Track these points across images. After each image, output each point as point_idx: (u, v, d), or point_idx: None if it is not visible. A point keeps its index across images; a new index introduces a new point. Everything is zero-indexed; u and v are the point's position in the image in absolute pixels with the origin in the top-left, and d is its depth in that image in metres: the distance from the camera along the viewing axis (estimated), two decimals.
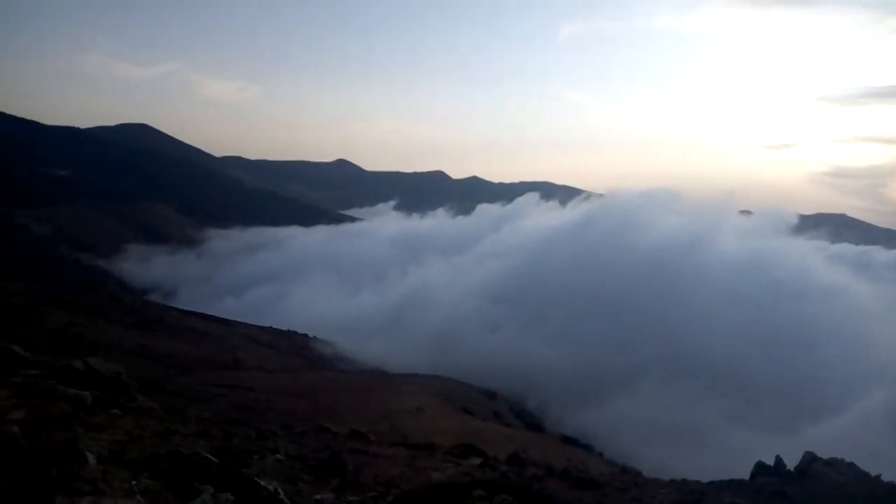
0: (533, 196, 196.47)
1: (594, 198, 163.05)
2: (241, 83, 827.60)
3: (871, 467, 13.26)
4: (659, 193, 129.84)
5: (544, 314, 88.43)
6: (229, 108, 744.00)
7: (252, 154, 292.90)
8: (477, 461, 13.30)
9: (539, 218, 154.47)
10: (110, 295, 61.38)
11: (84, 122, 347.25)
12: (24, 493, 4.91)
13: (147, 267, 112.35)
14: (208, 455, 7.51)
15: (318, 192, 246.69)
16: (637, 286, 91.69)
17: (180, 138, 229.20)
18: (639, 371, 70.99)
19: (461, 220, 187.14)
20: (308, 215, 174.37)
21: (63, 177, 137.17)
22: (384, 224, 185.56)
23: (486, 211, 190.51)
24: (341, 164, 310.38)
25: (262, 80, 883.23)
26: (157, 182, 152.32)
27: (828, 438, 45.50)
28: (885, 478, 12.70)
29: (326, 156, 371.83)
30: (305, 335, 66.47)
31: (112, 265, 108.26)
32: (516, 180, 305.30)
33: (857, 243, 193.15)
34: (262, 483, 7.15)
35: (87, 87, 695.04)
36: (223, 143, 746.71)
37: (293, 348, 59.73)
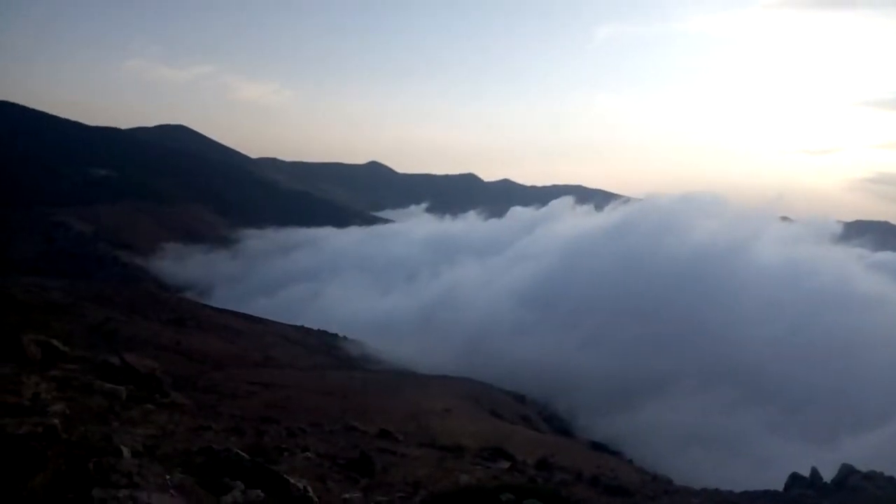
0: (567, 199, 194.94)
1: (629, 202, 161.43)
2: (275, 86, 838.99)
3: None
4: (700, 197, 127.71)
5: (577, 318, 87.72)
6: (264, 111, 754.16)
7: (287, 156, 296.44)
8: (505, 465, 13.25)
9: (574, 221, 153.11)
10: (147, 292, 62.61)
11: (125, 123, 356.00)
12: (63, 485, 5.03)
13: (183, 265, 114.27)
14: (239, 451, 7.61)
15: (351, 194, 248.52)
16: (674, 291, 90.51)
17: (217, 139, 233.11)
18: (672, 377, 70.00)
19: (494, 222, 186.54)
20: (341, 216, 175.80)
21: (104, 176, 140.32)
22: (417, 225, 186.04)
23: (518, 214, 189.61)
24: (373, 166, 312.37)
25: (297, 83, 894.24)
26: (195, 182, 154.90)
27: (867, 451, 44.23)
28: None
29: (359, 158, 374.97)
30: (336, 335, 66.98)
31: (149, 263, 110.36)
32: (548, 183, 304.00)
33: None
34: (292, 481, 7.22)
35: (129, 89, 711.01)
36: (259, 145, 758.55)
37: (323, 347, 60.22)
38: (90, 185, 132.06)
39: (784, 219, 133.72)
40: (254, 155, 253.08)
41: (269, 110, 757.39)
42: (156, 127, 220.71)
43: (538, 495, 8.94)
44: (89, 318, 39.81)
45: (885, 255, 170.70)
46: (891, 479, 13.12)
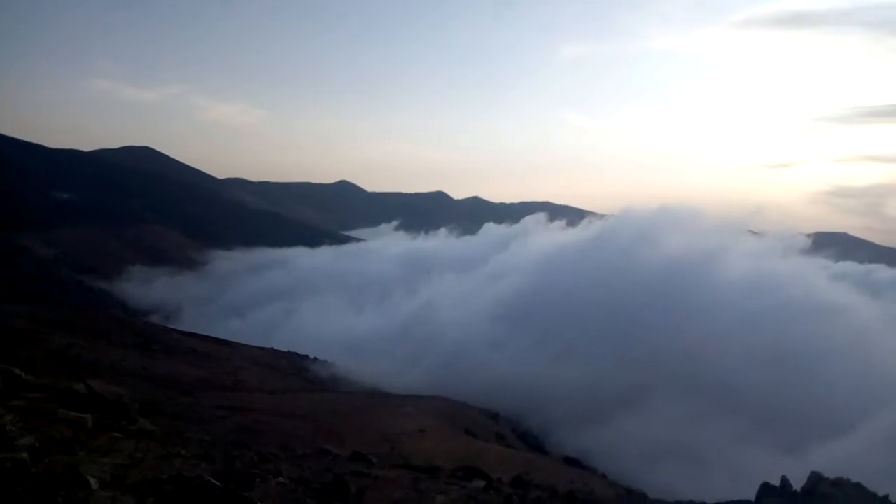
0: (540, 216, 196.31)
1: (597, 218, 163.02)
2: (243, 106, 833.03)
3: (879, 488, 13.16)
4: (676, 210, 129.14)
5: (551, 333, 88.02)
6: (232, 131, 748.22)
7: (254, 176, 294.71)
8: (481, 484, 13.20)
9: (548, 237, 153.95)
10: (112, 317, 61.35)
11: (88, 145, 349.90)
12: None
13: (149, 289, 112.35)
14: (211, 479, 7.47)
15: (320, 214, 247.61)
16: (647, 305, 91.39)
17: (183, 161, 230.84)
18: (644, 390, 70.60)
19: (467, 239, 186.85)
20: (311, 236, 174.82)
21: (66, 200, 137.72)
22: (389, 244, 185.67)
23: (491, 230, 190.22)
24: (343, 185, 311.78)
25: (265, 103, 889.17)
26: (160, 204, 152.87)
27: (835, 459, 45.03)
28: (893, 498, 12.60)
29: (328, 177, 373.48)
30: (306, 356, 66.29)
31: (114, 287, 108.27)
32: (517, 200, 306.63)
33: (859, 262, 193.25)
34: None
35: (91, 110, 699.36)
36: (226, 166, 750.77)
37: (294, 370, 59.52)
38: (52, 209, 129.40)
39: (750, 232, 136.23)
40: (221, 175, 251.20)
41: (236, 130, 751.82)
42: (120, 148, 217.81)
43: None
44: (52, 345, 38.84)
45: (846, 266, 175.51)
46: (857, 485, 13.39)
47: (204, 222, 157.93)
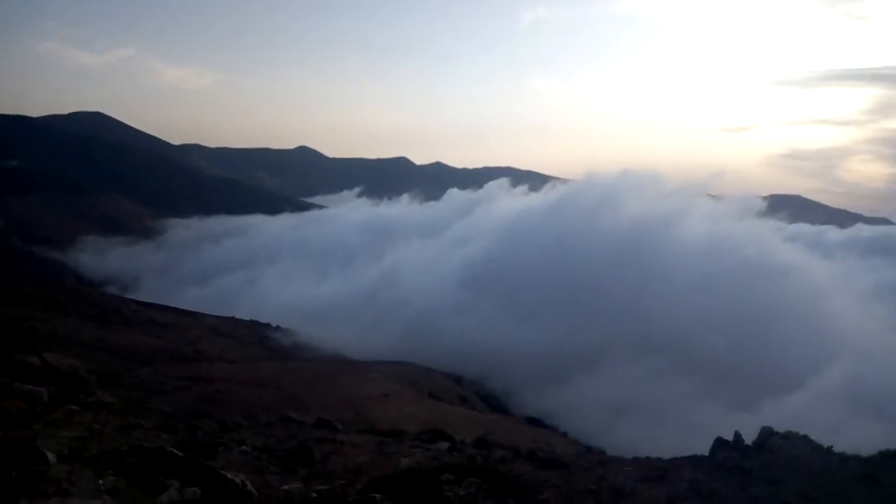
0: (503, 181, 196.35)
1: (560, 183, 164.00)
2: (197, 69, 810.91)
3: (825, 439, 13.73)
4: (638, 174, 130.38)
5: (514, 297, 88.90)
6: (187, 95, 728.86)
7: (211, 142, 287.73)
8: (445, 446, 13.38)
9: (512, 202, 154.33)
10: (66, 287, 59.89)
11: (36, 111, 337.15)
12: None
13: (104, 259, 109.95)
14: (173, 449, 7.41)
15: (280, 180, 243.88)
16: (606, 268, 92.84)
17: (136, 126, 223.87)
18: (605, 351, 72.04)
19: (431, 205, 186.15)
20: (270, 203, 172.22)
21: (15, 167, 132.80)
22: (352, 210, 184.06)
23: (455, 196, 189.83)
24: (303, 150, 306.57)
25: (220, 66, 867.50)
26: (114, 172, 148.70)
27: (786, 413, 46.89)
28: (837, 449, 13.17)
29: (287, 143, 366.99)
30: (268, 325, 65.84)
31: (68, 257, 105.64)
32: (480, 166, 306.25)
33: (812, 223, 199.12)
34: (229, 476, 7.10)
35: (39, 74, 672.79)
36: (181, 131, 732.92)
37: (256, 338, 59.08)
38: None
39: (707, 195, 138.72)
40: (176, 141, 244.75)
41: (192, 95, 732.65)
42: (70, 114, 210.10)
43: (478, 473, 9.09)
44: (4, 317, 37.75)
45: (799, 227, 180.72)
46: (805, 437, 13.94)
47: (159, 190, 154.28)
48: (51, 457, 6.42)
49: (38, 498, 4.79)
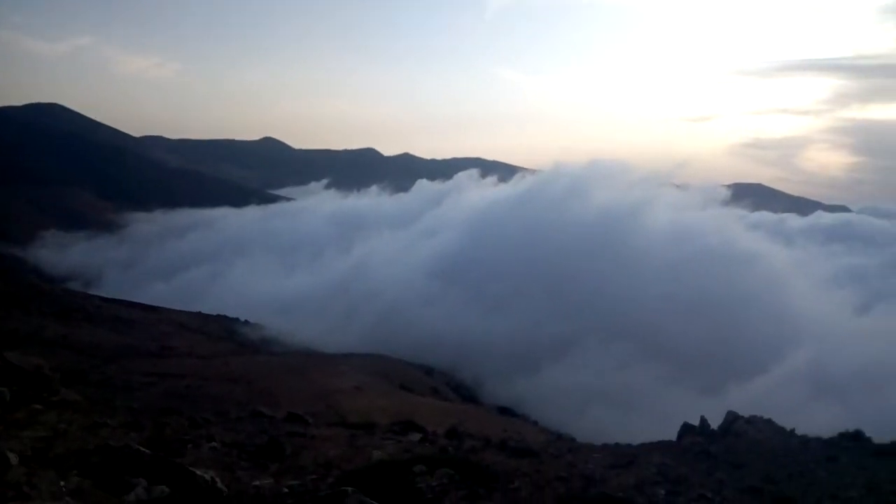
0: (472, 172, 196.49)
1: (529, 174, 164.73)
2: (158, 59, 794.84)
3: (788, 423, 14.10)
4: (606, 164, 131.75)
5: (483, 288, 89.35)
6: (147, 86, 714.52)
7: (173, 133, 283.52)
8: (417, 437, 13.41)
9: (481, 193, 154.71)
10: (27, 284, 58.45)
11: None
12: None
13: (65, 254, 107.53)
14: (140, 447, 7.30)
15: (245, 172, 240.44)
16: (574, 257, 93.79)
17: (96, 118, 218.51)
18: (573, 339, 72.88)
19: (400, 196, 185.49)
20: (236, 195, 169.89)
21: None
22: (320, 203, 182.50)
23: (424, 187, 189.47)
24: (268, 142, 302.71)
25: (182, 56, 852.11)
26: (73, 165, 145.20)
27: (750, 397, 47.99)
28: (798, 431, 13.53)
29: (252, 134, 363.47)
30: (236, 319, 65.16)
31: (27, 253, 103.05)
32: (448, 157, 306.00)
33: (773, 211, 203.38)
34: (198, 472, 7.01)
35: None
36: (142, 123, 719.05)
37: (224, 333, 58.49)
38: None
39: (672, 185, 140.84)
40: (137, 133, 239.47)
41: (152, 85, 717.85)
42: (26, 105, 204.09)
43: (450, 464, 9.14)
44: None
45: (761, 215, 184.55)
46: (769, 421, 14.29)
47: (121, 183, 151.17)
48: (13, 458, 6.27)
49: None
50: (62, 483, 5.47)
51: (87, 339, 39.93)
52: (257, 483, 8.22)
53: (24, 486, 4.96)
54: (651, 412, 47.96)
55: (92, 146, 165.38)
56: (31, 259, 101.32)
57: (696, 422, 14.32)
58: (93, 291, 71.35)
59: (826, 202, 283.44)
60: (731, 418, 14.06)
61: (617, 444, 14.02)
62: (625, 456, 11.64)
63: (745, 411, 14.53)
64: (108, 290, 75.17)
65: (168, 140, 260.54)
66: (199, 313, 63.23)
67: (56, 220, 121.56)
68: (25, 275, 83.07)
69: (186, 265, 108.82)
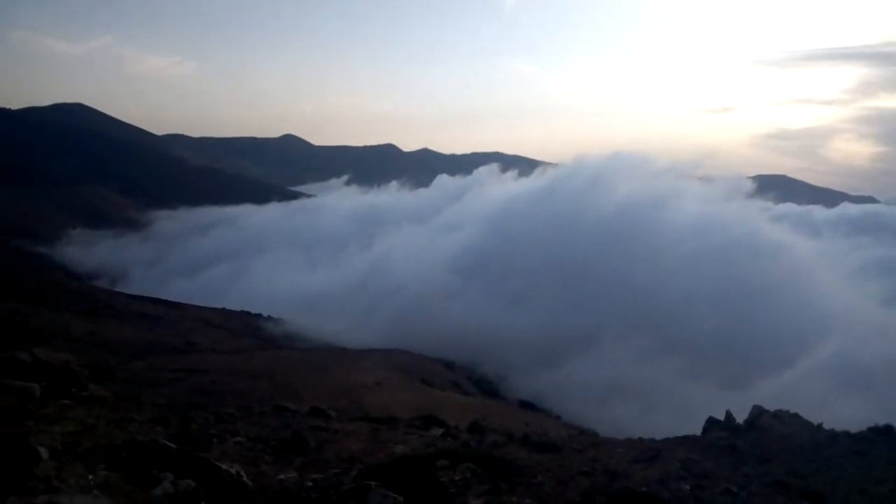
0: (493, 166, 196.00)
1: (550, 167, 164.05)
2: (177, 57, 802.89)
3: (815, 417, 13.90)
4: (628, 156, 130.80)
5: (505, 282, 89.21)
6: (168, 84, 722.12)
7: (195, 131, 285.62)
8: (439, 431, 13.43)
9: (502, 187, 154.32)
10: (54, 282, 59.47)
11: (15, 102, 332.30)
12: None
13: (91, 252, 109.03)
14: (166, 441, 7.39)
15: (266, 169, 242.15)
16: (596, 250, 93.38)
17: (118, 117, 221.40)
18: (594, 332, 72.51)
19: (421, 192, 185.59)
20: (257, 192, 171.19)
21: None
22: (341, 199, 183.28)
23: (444, 182, 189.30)
24: (288, 139, 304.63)
25: (202, 55, 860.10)
26: (97, 164, 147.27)
27: (776, 391, 47.42)
28: (826, 426, 13.33)
29: (272, 131, 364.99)
30: (259, 315, 65.72)
31: (54, 251, 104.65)
32: (468, 151, 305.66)
33: (799, 203, 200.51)
34: (224, 467, 7.09)
35: (17, 65, 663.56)
36: (164, 121, 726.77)
37: (247, 329, 59.02)
38: None
39: (695, 176, 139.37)
40: (159, 132, 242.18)
41: (173, 84, 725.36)
42: (51, 106, 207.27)
43: (472, 458, 9.15)
44: None
45: (786, 207, 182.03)
46: (796, 415, 14.09)
47: (144, 181, 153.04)
48: (43, 452, 6.38)
49: (27, 495, 4.76)
50: (90, 477, 5.55)
51: (114, 336, 40.54)
52: (281, 477, 8.29)
53: (53, 480, 5.04)
54: (674, 406, 47.58)
55: (115, 145, 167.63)
56: (57, 257, 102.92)
57: (720, 416, 14.17)
58: (119, 288, 72.39)
59: (852, 193, 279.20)
60: (757, 412, 13.88)
61: (641, 439, 13.91)
62: (649, 450, 11.56)
63: (770, 405, 14.33)
64: (133, 287, 76.26)
65: (190, 138, 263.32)
66: (223, 309, 63.89)
67: (81, 218, 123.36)
68: (53, 272, 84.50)
69: (209, 262, 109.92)
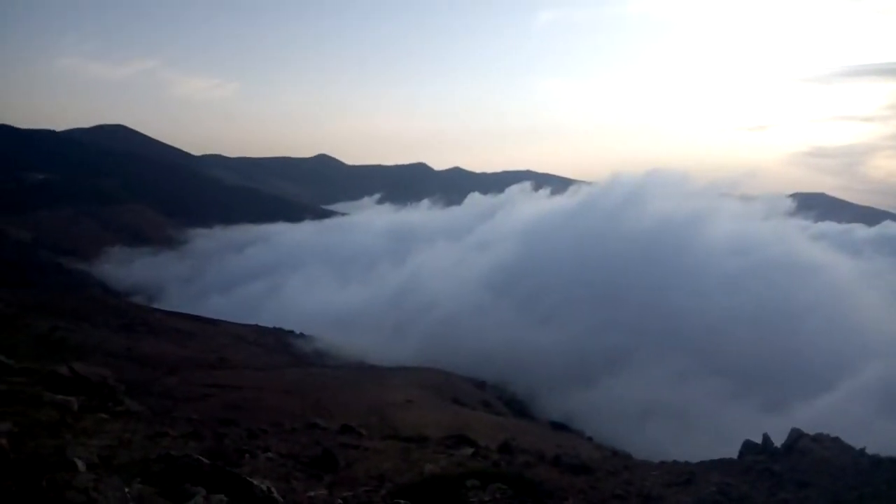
0: (525, 185, 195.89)
1: (582, 186, 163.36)
2: (217, 80, 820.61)
3: (857, 441, 13.46)
4: (664, 175, 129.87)
5: (538, 300, 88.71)
6: (206, 106, 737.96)
7: (231, 152, 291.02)
8: (469, 451, 13.34)
9: (536, 205, 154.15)
10: (93, 298, 60.82)
11: (60, 124, 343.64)
12: None
13: (129, 269, 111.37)
14: (199, 456, 7.48)
15: (300, 188, 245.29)
16: (631, 268, 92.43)
17: (158, 138, 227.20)
18: (629, 352, 71.48)
19: (453, 210, 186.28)
20: (291, 211, 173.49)
21: (41, 181, 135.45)
22: (374, 217, 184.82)
23: (476, 200, 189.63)
24: (322, 159, 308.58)
25: (239, 77, 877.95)
26: (137, 183, 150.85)
27: (816, 415, 46.15)
28: (870, 451, 12.89)
29: (306, 151, 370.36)
30: (291, 332, 66.27)
31: (94, 268, 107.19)
32: (499, 170, 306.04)
33: (838, 222, 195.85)
34: (255, 482, 7.14)
35: (61, 88, 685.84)
36: (202, 142, 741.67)
37: (280, 345, 59.57)
38: (27, 191, 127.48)
39: (733, 195, 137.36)
40: (197, 152, 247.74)
41: (211, 105, 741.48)
42: (94, 127, 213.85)
43: (502, 479, 9.06)
44: (34, 329, 38.48)
45: (826, 226, 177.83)
46: (836, 439, 13.66)
47: (182, 200, 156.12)
48: (80, 465, 6.51)
49: None
50: (127, 490, 5.65)
51: (150, 351, 41.22)
52: (312, 494, 8.31)
53: (91, 492, 5.14)
54: (710, 429, 46.57)
55: (154, 165, 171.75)
56: (97, 274, 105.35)
57: (757, 439, 13.80)
58: (156, 305, 73.70)
59: (894, 211, 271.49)
60: (796, 435, 13.49)
61: (675, 462, 13.65)
62: (683, 474, 11.33)
63: (810, 429, 13.92)
64: (169, 304, 77.62)
65: (226, 158, 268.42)
66: (256, 326, 64.60)
67: (120, 236, 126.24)
68: (92, 289, 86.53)
69: (244, 279, 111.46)
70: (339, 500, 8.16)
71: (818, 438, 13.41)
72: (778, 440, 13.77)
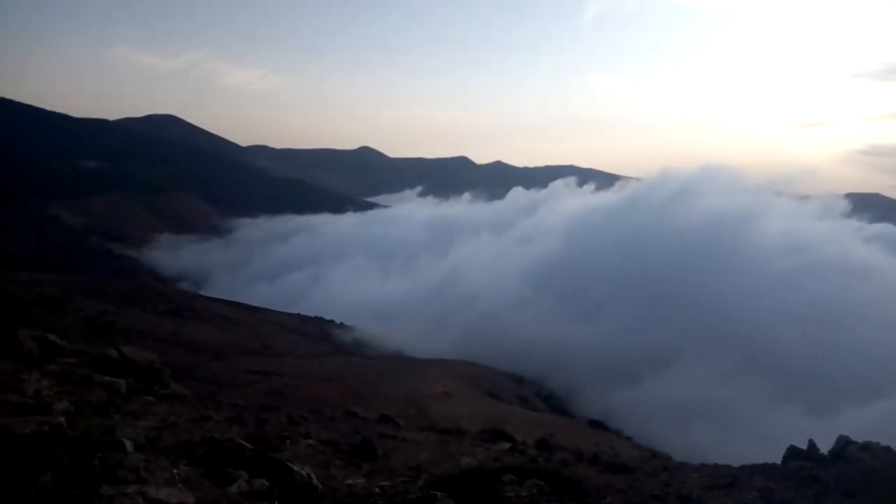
0: (569, 180, 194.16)
1: (627, 181, 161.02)
2: (263, 71, 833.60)
3: None
4: (715, 171, 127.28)
5: (580, 296, 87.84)
6: (253, 97, 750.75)
7: (276, 143, 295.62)
8: (506, 446, 13.31)
9: (579, 200, 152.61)
10: (142, 284, 62.50)
11: (112, 114, 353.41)
12: (70, 482, 5.05)
13: (177, 256, 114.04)
14: (242, 441, 7.63)
15: (343, 180, 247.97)
16: (676, 265, 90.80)
17: (206, 128, 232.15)
18: (672, 350, 70.21)
19: (495, 204, 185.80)
20: (335, 203, 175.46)
21: (93, 168, 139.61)
22: (415, 209, 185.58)
23: (519, 195, 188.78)
24: (364, 151, 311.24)
25: (285, 69, 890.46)
26: (185, 173, 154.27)
27: (865, 422, 44.68)
28: None
29: (349, 143, 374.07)
30: (332, 321, 67.05)
31: (142, 255, 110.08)
32: (541, 164, 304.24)
33: (893, 223, 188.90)
34: (295, 468, 7.25)
35: (115, 79, 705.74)
36: (248, 133, 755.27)
37: (321, 334, 60.32)
38: (80, 178, 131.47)
39: (785, 193, 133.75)
40: (243, 143, 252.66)
41: (258, 97, 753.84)
42: (144, 117, 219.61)
43: (540, 475, 9.00)
44: (84, 312, 39.76)
45: (881, 227, 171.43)
46: (887, 448, 13.21)
47: (228, 190, 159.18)
48: (128, 445, 6.71)
49: (118, 484, 5.03)
50: (175, 471, 5.81)
51: (196, 337, 42.16)
52: (350, 482, 8.41)
53: (142, 472, 5.30)
54: (754, 432, 45.45)
55: (202, 155, 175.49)
56: (146, 260, 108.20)
57: (802, 444, 13.45)
58: (202, 292, 75.35)
59: None
60: (844, 443, 13.09)
61: (716, 465, 13.40)
62: (724, 477, 11.12)
63: (858, 436, 13.49)
64: (215, 291, 79.24)
65: (272, 149, 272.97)
66: (299, 314, 65.57)
67: (169, 224, 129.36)
68: (141, 275, 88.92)
69: (288, 268, 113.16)
70: (377, 489, 8.23)
71: (867, 447, 12.99)
72: (823, 446, 13.39)
